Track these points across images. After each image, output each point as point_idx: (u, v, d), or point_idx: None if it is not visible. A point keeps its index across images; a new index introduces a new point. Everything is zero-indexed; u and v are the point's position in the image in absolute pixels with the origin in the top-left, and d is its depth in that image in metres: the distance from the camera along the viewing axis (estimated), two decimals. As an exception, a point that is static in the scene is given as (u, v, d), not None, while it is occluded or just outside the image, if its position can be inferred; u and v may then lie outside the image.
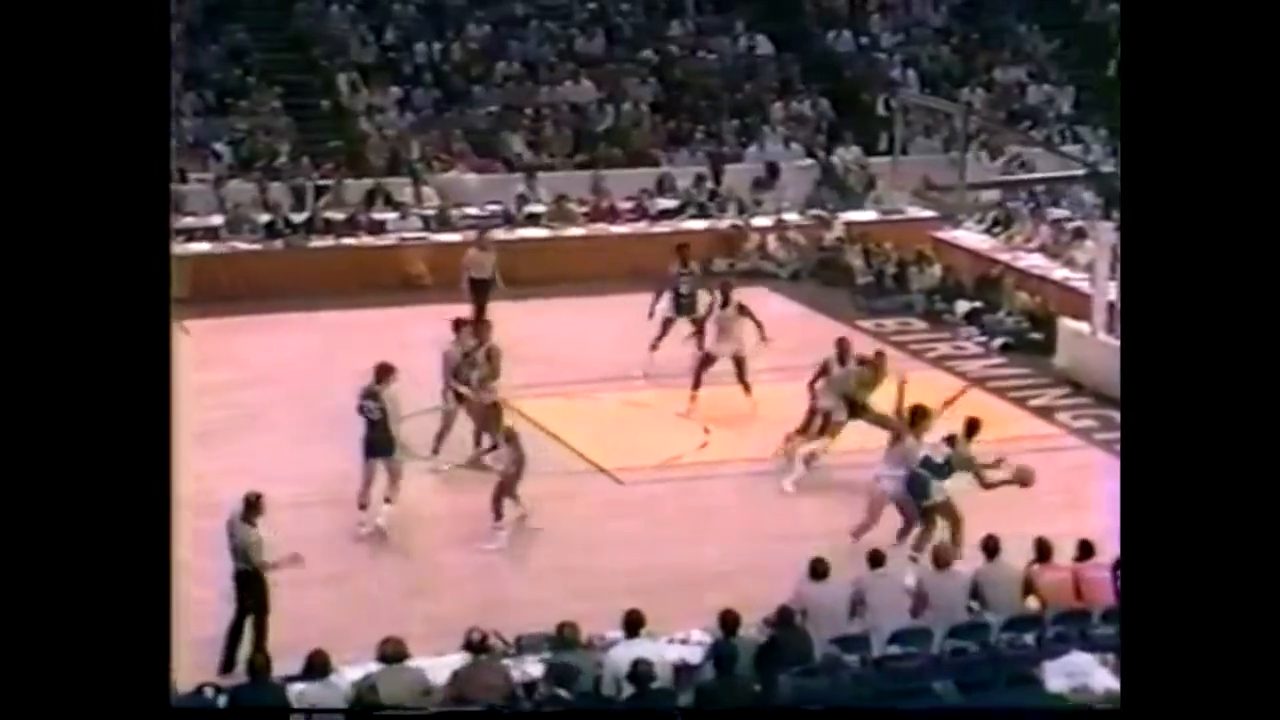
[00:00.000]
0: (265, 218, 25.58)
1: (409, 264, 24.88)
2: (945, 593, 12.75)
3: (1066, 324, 21.26)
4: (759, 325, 19.36)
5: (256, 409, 19.04)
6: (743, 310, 19.45)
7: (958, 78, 31.13)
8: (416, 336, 19.33)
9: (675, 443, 18.49)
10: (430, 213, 26.07)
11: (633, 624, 11.81)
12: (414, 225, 25.78)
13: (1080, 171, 24.46)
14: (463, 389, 17.23)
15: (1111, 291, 19.71)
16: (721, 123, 29.59)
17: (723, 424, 18.86)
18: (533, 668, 11.69)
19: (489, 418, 17.04)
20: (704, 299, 20.13)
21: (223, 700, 11.13)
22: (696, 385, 19.23)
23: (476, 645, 11.48)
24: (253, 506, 13.10)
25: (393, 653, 11.28)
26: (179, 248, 22.81)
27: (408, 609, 14.04)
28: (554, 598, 13.74)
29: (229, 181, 26.41)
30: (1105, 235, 20.48)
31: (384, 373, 15.95)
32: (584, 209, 26.67)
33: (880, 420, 16.64)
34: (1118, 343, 17.97)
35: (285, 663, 11.40)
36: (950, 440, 15.23)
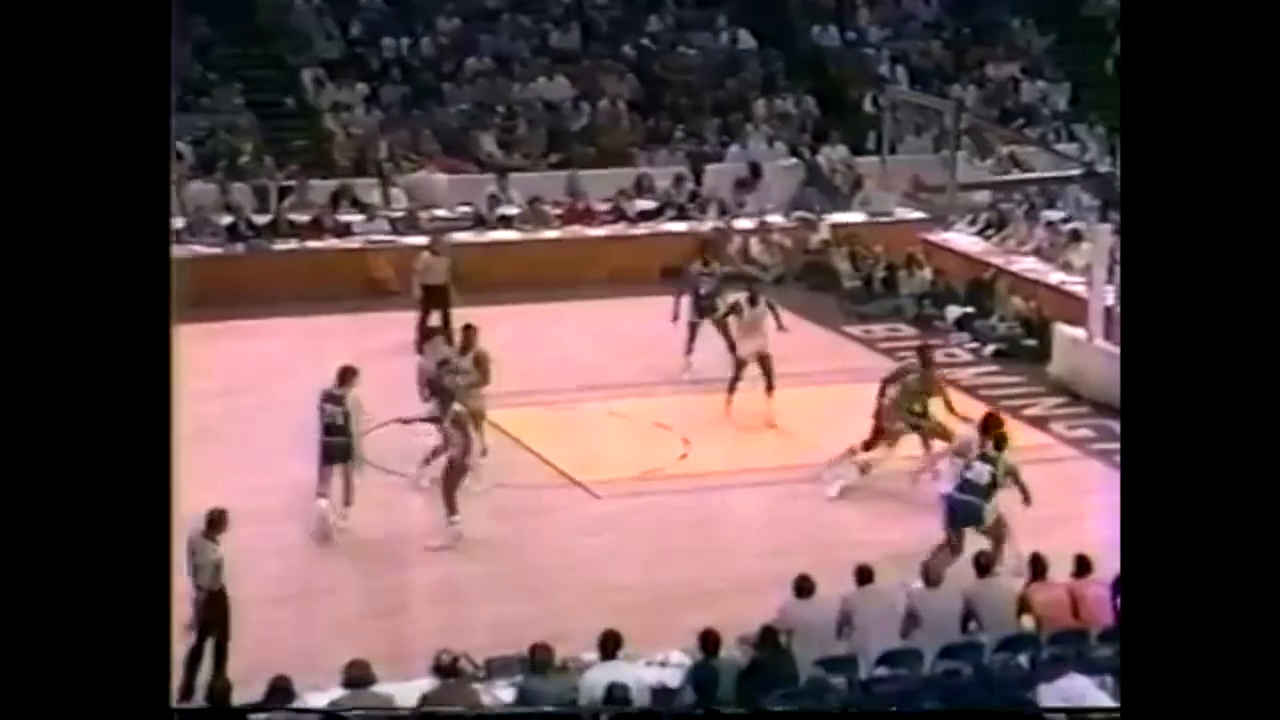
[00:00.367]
0: (227, 220, 25.19)
1: (376, 268, 24.52)
2: (936, 611, 12.64)
3: (1062, 330, 21.17)
4: (778, 318, 19.34)
5: (217, 421, 18.57)
6: (770, 307, 19.38)
7: (949, 74, 31.03)
8: (383, 343, 19.56)
9: (654, 454, 18.31)
10: (398, 215, 25.73)
11: (609, 645, 11.70)
12: (381, 228, 25.42)
13: (1077, 171, 24.57)
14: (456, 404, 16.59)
15: (1109, 296, 19.74)
16: (702, 121, 29.35)
17: (704, 432, 18.76)
18: (504, 692, 11.69)
19: (479, 425, 16.71)
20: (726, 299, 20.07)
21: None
22: (732, 390, 19.09)
23: (446, 668, 11.33)
24: (215, 523, 12.90)
25: (358, 677, 11.08)
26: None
27: (374, 629, 13.93)
28: (527, 618, 13.65)
29: (189, 183, 25.85)
30: (1103, 237, 20.49)
31: (347, 375, 15.97)
32: (559, 211, 26.34)
33: (940, 430, 16.68)
34: (1115, 349, 18.71)
35: (248, 689, 11.26)
36: (986, 457, 14.88)
